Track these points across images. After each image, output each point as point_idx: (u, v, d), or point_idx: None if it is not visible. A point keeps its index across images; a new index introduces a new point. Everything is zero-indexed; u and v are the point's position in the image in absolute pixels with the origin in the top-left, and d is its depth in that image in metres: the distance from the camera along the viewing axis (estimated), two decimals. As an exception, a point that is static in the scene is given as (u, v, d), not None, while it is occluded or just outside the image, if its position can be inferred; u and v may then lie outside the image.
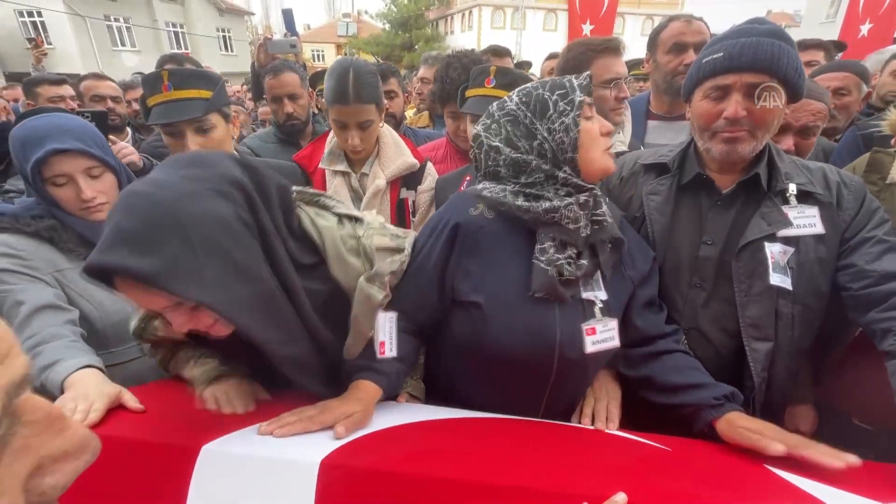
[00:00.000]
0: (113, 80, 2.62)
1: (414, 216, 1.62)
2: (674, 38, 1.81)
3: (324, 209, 1.01)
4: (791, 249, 1.05)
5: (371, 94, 1.46)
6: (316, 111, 2.51)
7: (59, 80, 2.62)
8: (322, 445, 0.84)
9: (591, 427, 1.02)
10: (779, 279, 1.05)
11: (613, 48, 1.60)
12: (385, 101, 2.14)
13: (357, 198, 1.59)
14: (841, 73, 2.10)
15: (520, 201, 0.98)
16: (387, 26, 29.24)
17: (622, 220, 1.12)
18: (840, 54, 4.23)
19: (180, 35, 22.73)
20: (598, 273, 1.03)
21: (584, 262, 0.99)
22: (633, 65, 3.45)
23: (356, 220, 1.01)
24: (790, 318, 1.07)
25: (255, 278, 0.78)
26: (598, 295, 1.02)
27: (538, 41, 25.38)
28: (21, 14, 17.84)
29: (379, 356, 1.00)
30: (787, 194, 1.07)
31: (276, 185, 0.88)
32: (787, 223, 1.06)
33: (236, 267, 0.75)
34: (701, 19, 1.83)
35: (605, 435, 0.99)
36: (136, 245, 0.67)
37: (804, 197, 1.08)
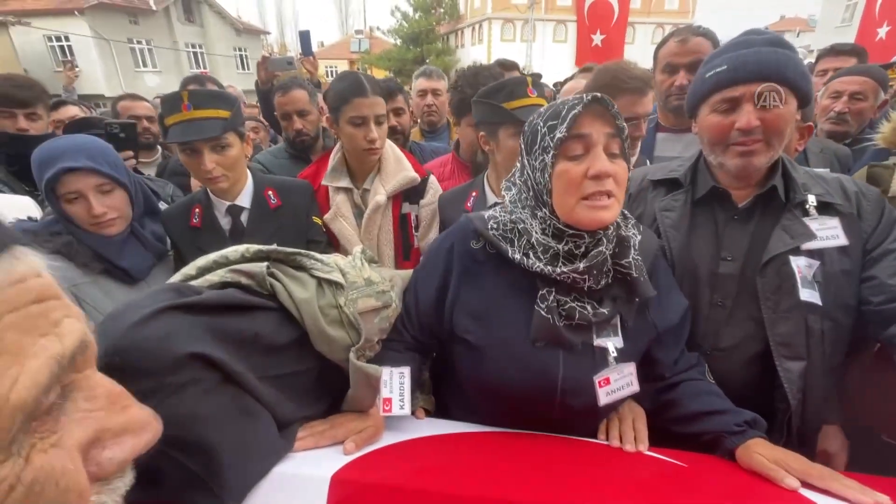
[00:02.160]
0: (148, 101, 2.71)
1: (417, 230, 1.61)
2: (666, 58, 1.80)
3: (301, 270, 0.95)
4: (816, 263, 1.02)
5: (381, 90, 1.50)
6: (327, 125, 2.55)
7: (58, 104, 2.65)
8: (333, 460, 0.84)
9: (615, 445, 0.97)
10: (808, 294, 1.01)
11: (636, 89, 1.53)
12: (392, 119, 2.18)
13: (360, 214, 1.59)
14: (860, 78, 2.07)
15: (517, 255, 0.92)
16: (398, 42, 29.75)
17: (657, 255, 1.02)
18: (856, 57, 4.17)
19: (199, 56, 23.50)
20: (618, 318, 0.94)
21: (603, 310, 0.91)
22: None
23: (337, 285, 0.93)
24: (821, 334, 1.03)
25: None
26: (614, 342, 0.93)
27: (548, 53, 25.55)
28: (49, 39, 18.70)
29: (383, 413, 0.96)
30: (807, 206, 1.04)
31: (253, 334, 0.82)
32: (811, 235, 1.02)
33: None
34: (706, 33, 1.77)
35: (620, 451, 0.96)
36: None
37: (824, 208, 1.04)
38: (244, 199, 1.50)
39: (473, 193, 1.51)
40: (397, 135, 2.18)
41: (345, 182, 1.60)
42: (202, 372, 0.72)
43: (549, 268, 0.88)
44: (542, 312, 0.90)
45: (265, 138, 3.37)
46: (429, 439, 0.97)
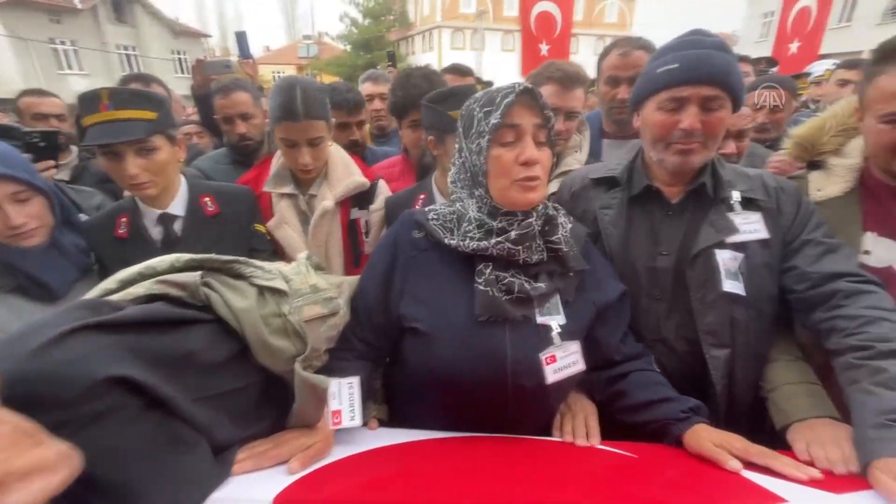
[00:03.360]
0: (56, 97, 2.48)
1: (367, 236, 1.57)
2: (608, 70, 1.87)
3: (240, 279, 0.89)
4: (740, 255, 1.08)
5: (320, 111, 1.42)
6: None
7: None
8: (277, 481, 0.81)
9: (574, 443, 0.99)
10: (731, 285, 1.07)
11: (559, 79, 1.59)
12: (356, 132, 2.11)
13: (306, 220, 1.53)
14: (776, 92, 2.28)
15: (454, 240, 0.97)
16: (348, 48, 29.41)
17: (587, 241, 1.09)
18: (775, 68, 4.60)
19: (132, 58, 22.09)
20: (558, 297, 0.99)
21: (540, 284, 0.97)
22: (590, 84, 3.61)
23: (280, 293, 0.89)
24: (745, 323, 1.09)
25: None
26: (556, 319, 0.98)
27: (498, 61, 26.16)
28: (-45, 37, 16.95)
29: (333, 426, 0.93)
30: (732, 202, 1.10)
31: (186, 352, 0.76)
32: (735, 229, 1.08)
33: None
34: (646, 45, 1.84)
35: (572, 447, 0.98)
36: None
37: (747, 203, 1.11)
38: (177, 207, 1.40)
39: (422, 196, 1.50)
40: (358, 148, 2.12)
41: (289, 188, 1.54)
42: (123, 398, 0.65)
43: (483, 243, 0.94)
44: (481, 286, 0.94)
45: (209, 144, 3.19)
46: (382, 450, 0.94)
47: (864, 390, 0.88)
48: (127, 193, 1.44)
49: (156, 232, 1.39)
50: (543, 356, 0.95)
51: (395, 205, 1.55)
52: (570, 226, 1.05)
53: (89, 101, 1.23)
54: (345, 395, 0.94)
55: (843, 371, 0.95)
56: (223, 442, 0.82)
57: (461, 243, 0.96)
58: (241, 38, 2.90)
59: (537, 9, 4.85)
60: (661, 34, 1.58)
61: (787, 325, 1.16)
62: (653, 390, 1.03)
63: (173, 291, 0.81)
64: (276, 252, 1.54)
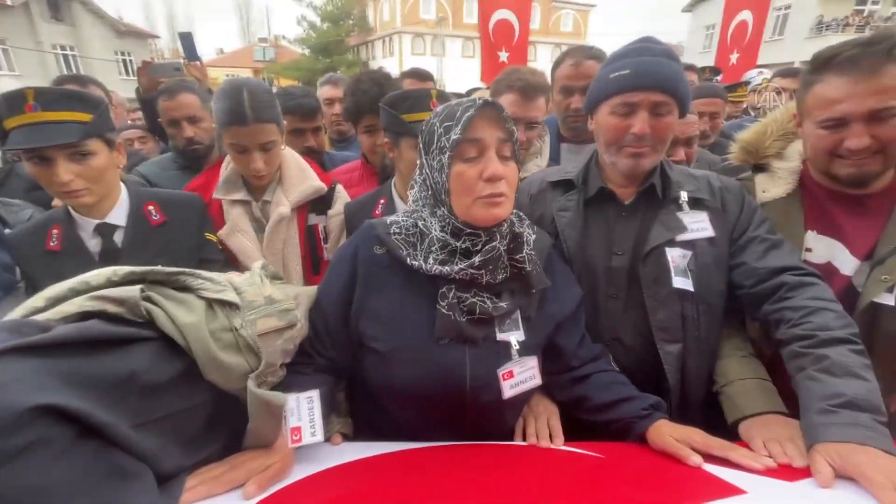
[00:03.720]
0: None
1: (326, 242, 1.52)
2: (561, 80, 1.91)
3: (187, 291, 0.83)
4: (689, 253, 1.12)
5: (270, 113, 1.36)
6: None
7: None
8: None
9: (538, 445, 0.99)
10: (681, 282, 1.10)
11: (520, 89, 1.59)
12: (311, 138, 2.04)
13: (261, 227, 1.46)
14: (713, 100, 2.48)
15: (417, 261, 0.93)
16: (307, 51, 28.87)
17: (550, 252, 1.08)
18: (719, 77, 4.91)
19: (71, 58, 20.77)
20: (518, 313, 0.99)
21: (502, 304, 0.95)
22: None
23: (231, 305, 0.83)
24: (695, 319, 1.13)
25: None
26: (516, 335, 0.97)
27: (459, 67, 26.43)
28: None
29: (292, 444, 0.88)
30: (680, 201, 1.15)
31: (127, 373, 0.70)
32: (683, 228, 1.12)
33: None
34: (598, 55, 1.87)
35: (538, 450, 0.98)
36: None
37: (695, 203, 1.15)
38: (118, 216, 1.30)
39: (381, 200, 1.47)
40: (315, 154, 2.06)
41: (241, 194, 1.46)
42: (51, 429, 0.58)
43: (446, 268, 0.91)
44: (444, 310, 0.92)
45: (154, 149, 3.01)
46: (346, 466, 0.91)
47: (809, 377, 0.93)
48: (57, 202, 1.33)
49: (93, 244, 1.28)
50: (501, 372, 0.95)
51: (355, 210, 1.51)
52: (533, 237, 1.03)
53: (12, 101, 1.12)
54: (304, 411, 0.90)
55: (790, 359, 1.00)
56: (171, 469, 0.76)
57: (423, 265, 0.93)
58: (186, 38, 2.75)
59: (496, 17, 4.93)
60: (613, 42, 1.63)
61: (739, 322, 1.21)
62: (614, 390, 1.05)
63: (110, 308, 0.74)
64: (230, 262, 1.46)
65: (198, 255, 1.39)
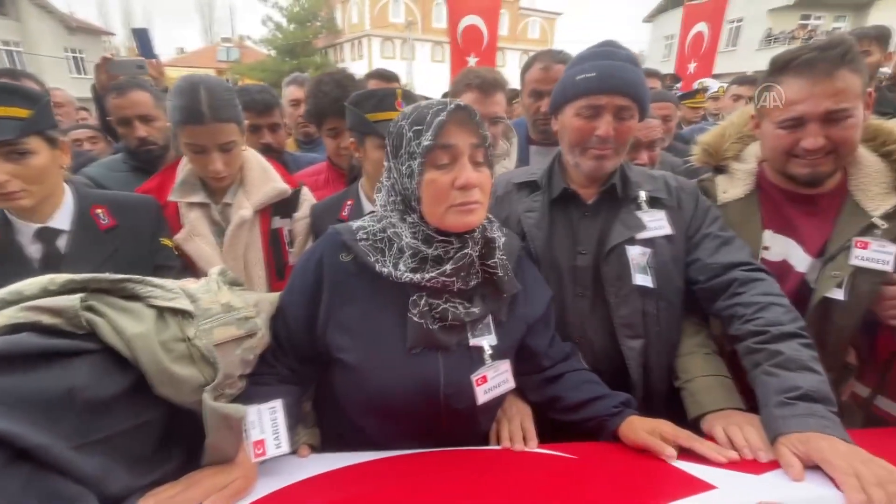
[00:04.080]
0: None
1: (291, 246, 1.47)
2: (531, 83, 1.94)
3: (134, 300, 0.77)
4: (648, 251, 1.15)
5: (230, 112, 1.30)
6: None
7: None
8: None
9: (511, 448, 0.98)
10: (641, 279, 1.13)
11: (478, 86, 1.59)
12: (268, 135, 1.98)
13: (221, 231, 1.40)
14: (665, 103, 2.58)
15: (387, 268, 0.90)
16: (272, 53, 28.24)
17: (520, 255, 1.07)
18: (679, 84, 5.12)
19: (16, 55, 19.57)
20: (490, 317, 0.97)
21: (474, 309, 0.93)
22: (514, 95, 3.76)
23: (184, 313, 0.78)
24: (656, 315, 1.15)
25: None
26: (488, 340, 0.96)
27: (428, 71, 26.51)
28: None
29: (255, 459, 0.83)
30: (639, 201, 1.18)
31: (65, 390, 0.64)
32: (643, 226, 1.15)
33: None
34: (566, 60, 1.85)
35: (512, 453, 0.97)
36: None
37: (653, 202, 1.19)
38: (61, 220, 1.21)
39: (349, 202, 1.43)
40: (272, 152, 1.99)
41: (199, 196, 1.39)
42: None
43: (417, 276, 0.88)
44: (415, 318, 0.89)
45: (105, 150, 2.85)
46: (315, 479, 0.87)
47: (766, 372, 0.96)
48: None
49: (33, 250, 1.19)
50: (475, 377, 0.93)
51: (321, 212, 1.46)
52: (503, 239, 1.01)
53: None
54: (267, 422, 0.85)
55: (746, 355, 1.03)
56: (119, 492, 0.70)
57: (393, 272, 0.89)
58: (142, 34, 2.62)
59: (464, 22, 4.97)
60: (579, 49, 1.66)
61: (702, 319, 1.24)
62: (586, 389, 1.05)
63: (45, 318, 0.68)
64: (188, 268, 1.38)
65: (152, 261, 1.31)
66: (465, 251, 0.90)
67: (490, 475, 0.89)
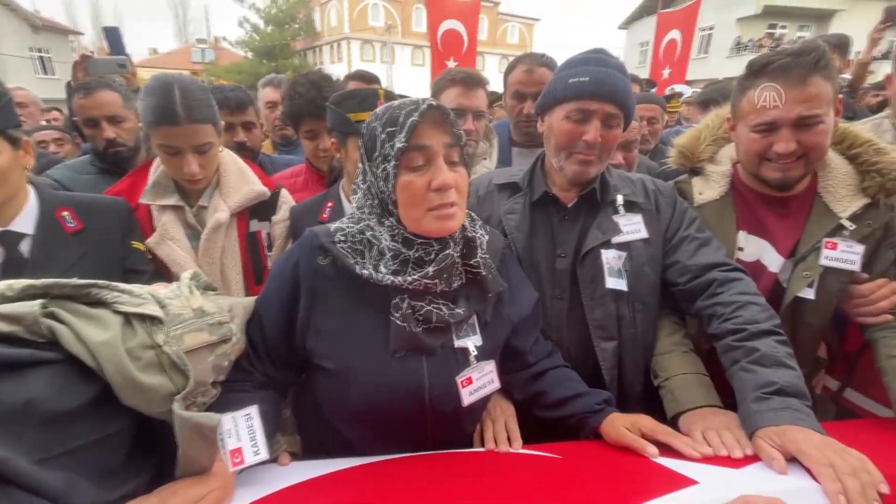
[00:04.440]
0: None
1: (269, 250, 1.44)
2: (514, 85, 1.94)
3: (99, 306, 0.73)
4: (624, 254, 1.16)
5: (206, 112, 1.26)
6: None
7: None
8: None
9: (495, 450, 0.98)
10: (614, 282, 1.14)
11: (461, 80, 1.59)
12: (241, 133, 1.94)
13: (196, 235, 1.35)
14: (652, 105, 2.62)
15: (367, 270, 0.87)
16: (249, 55, 27.81)
17: (504, 253, 1.06)
18: (654, 89, 5.26)
19: (-23, 53, 18.77)
20: (475, 317, 0.96)
21: (459, 310, 0.92)
22: (496, 98, 3.81)
23: (152, 319, 0.75)
24: (631, 317, 1.17)
25: None
26: (473, 340, 0.94)
27: (409, 75, 26.53)
28: None
29: (233, 468, 0.80)
30: (617, 205, 1.19)
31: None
32: (618, 230, 1.17)
33: None
34: (549, 63, 1.90)
35: (497, 455, 0.97)
36: None
37: (630, 206, 1.20)
38: (24, 224, 1.15)
39: (329, 204, 1.41)
40: (246, 151, 1.95)
41: (172, 199, 1.34)
42: None
43: (399, 278, 0.86)
44: (398, 322, 0.87)
45: (72, 152, 2.75)
46: (296, 487, 0.85)
47: (743, 369, 0.98)
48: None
49: (-6, 254, 1.13)
50: (460, 379, 0.92)
51: (301, 215, 1.44)
52: (486, 238, 1.00)
53: None
54: (243, 430, 0.82)
55: (724, 353, 1.05)
56: None
57: (374, 274, 0.87)
58: (112, 33, 2.52)
59: (444, 26, 5.00)
60: (556, 54, 1.69)
61: (680, 318, 1.26)
62: (569, 386, 1.06)
63: (2, 326, 0.64)
64: (161, 273, 1.33)
65: (122, 265, 1.26)
66: (447, 252, 0.88)
67: (475, 477, 0.89)
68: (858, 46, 3.64)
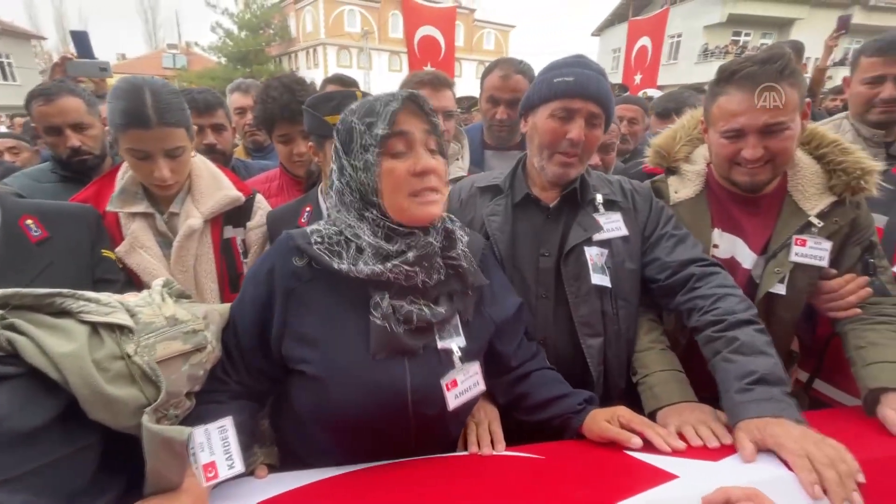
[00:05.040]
0: None
1: (245, 257, 1.40)
2: (490, 90, 1.97)
3: (64, 316, 0.70)
4: (605, 251, 1.18)
5: (178, 116, 1.22)
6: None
7: None
8: None
9: (479, 453, 0.97)
10: (598, 278, 1.16)
11: (429, 82, 1.60)
12: (211, 135, 1.89)
13: (167, 243, 1.31)
14: (633, 106, 2.67)
15: (345, 264, 0.86)
16: (223, 60, 27.32)
17: (485, 253, 1.08)
18: (627, 93, 5.40)
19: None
20: (457, 318, 0.95)
21: (441, 309, 0.91)
22: (473, 103, 3.84)
23: (122, 329, 0.72)
24: (614, 313, 1.19)
25: None
26: (456, 342, 0.93)
27: (386, 81, 26.50)
28: None
29: (205, 483, 0.77)
30: (596, 203, 1.22)
31: None
32: (599, 228, 1.19)
33: None
34: (525, 70, 1.94)
35: (481, 458, 0.96)
36: None
37: (609, 205, 1.23)
38: (-17, 233, 1.09)
39: (307, 208, 1.39)
40: (217, 154, 1.90)
41: (142, 206, 1.29)
42: None
43: (378, 266, 0.85)
44: (378, 321, 0.85)
45: (30, 160, 2.64)
46: (273, 500, 0.82)
47: (725, 359, 1.01)
48: None
49: (-51, 267, 1.07)
50: (445, 382, 0.90)
51: (277, 219, 1.41)
52: (466, 238, 1.01)
53: None
54: (216, 443, 0.79)
55: (706, 344, 1.08)
56: None
57: (353, 267, 0.85)
58: (81, 37, 2.42)
59: (420, 32, 5.02)
60: (533, 60, 1.72)
61: (657, 315, 1.28)
62: (551, 388, 1.07)
63: None
64: (131, 281, 1.28)
65: (92, 275, 1.21)
66: (428, 239, 0.89)
67: (459, 482, 0.88)
68: (816, 53, 3.81)
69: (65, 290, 0.70)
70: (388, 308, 0.86)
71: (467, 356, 0.94)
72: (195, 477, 0.77)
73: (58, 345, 0.64)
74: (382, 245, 0.87)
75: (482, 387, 0.96)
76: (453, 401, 0.90)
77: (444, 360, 0.92)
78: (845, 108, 1.97)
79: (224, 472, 0.79)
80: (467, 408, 0.97)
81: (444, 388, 0.90)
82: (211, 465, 0.78)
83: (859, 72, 1.76)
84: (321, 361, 0.87)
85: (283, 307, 0.88)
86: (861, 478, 0.78)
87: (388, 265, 0.85)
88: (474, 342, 0.97)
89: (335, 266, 0.86)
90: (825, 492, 0.76)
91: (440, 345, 0.92)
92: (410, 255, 0.86)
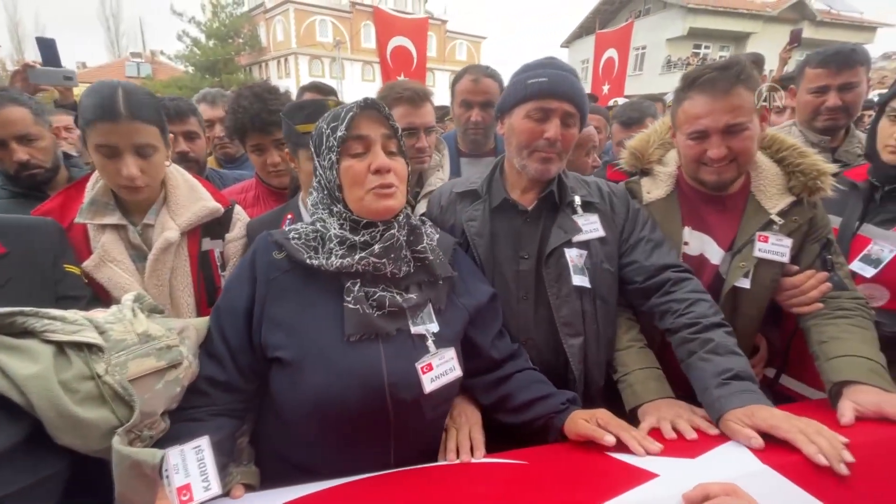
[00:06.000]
0: None
1: (223, 270, 1.35)
2: (462, 94, 2.02)
3: (27, 336, 0.66)
4: (584, 252, 1.21)
5: (150, 113, 1.17)
6: (75, 153, 1.99)
7: None
8: None
9: (458, 461, 0.97)
10: (579, 279, 1.19)
11: (409, 98, 1.62)
12: (184, 143, 1.85)
13: (140, 256, 1.25)
14: (596, 116, 2.75)
15: (316, 261, 0.92)
16: (190, 69, 26.70)
17: (455, 249, 1.12)
18: (595, 103, 5.56)
19: None
20: (430, 306, 0.99)
21: (412, 296, 0.96)
22: (445, 112, 3.87)
23: (90, 347, 0.68)
24: (593, 313, 1.22)
25: None
26: (430, 327, 0.97)
27: (359, 91, 26.45)
28: None
29: None
30: (575, 205, 1.25)
31: None
32: (578, 230, 1.22)
33: None
34: (493, 74, 2.00)
35: (463, 467, 0.95)
36: None
37: (587, 207, 1.26)
38: (-65, 250, 1.03)
39: (288, 216, 1.37)
40: (190, 162, 1.86)
41: (114, 217, 1.23)
42: None
43: (347, 259, 0.91)
44: (350, 305, 0.90)
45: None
46: None
47: (700, 358, 1.06)
48: None
49: None
50: (420, 365, 0.93)
51: (258, 229, 1.36)
52: (437, 236, 1.07)
53: None
54: (192, 464, 0.76)
55: (680, 345, 1.13)
56: None
57: (325, 262, 0.91)
58: (48, 44, 2.30)
59: (393, 43, 5.04)
60: (504, 70, 1.76)
61: (634, 315, 1.32)
62: (534, 389, 1.08)
63: None
64: (99, 297, 1.22)
65: (55, 291, 1.15)
66: (392, 232, 0.95)
67: (441, 494, 0.87)
68: (771, 65, 4.03)
69: (27, 309, 0.67)
70: (360, 292, 0.91)
71: (441, 341, 0.97)
72: (168, 500, 0.74)
73: (21, 367, 0.61)
74: (347, 235, 0.94)
75: (458, 372, 0.98)
76: (429, 384, 0.93)
77: (419, 345, 0.95)
78: None
79: (199, 496, 0.76)
80: (445, 394, 0.98)
81: (420, 371, 0.92)
82: (186, 488, 0.75)
83: (805, 82, 1.88)
84: (296, 346, 0.89)
85: (263, 296, 0.93)
86: (843, 439, 0.85)
87: (356, 257, 0.91)
88: (448, 328, 1.00)
89: (308, 261, 0.92)
90: (824, 458, 0.82)
91: (413, 330, 0.96)
92: (377, 247, 0.92)
